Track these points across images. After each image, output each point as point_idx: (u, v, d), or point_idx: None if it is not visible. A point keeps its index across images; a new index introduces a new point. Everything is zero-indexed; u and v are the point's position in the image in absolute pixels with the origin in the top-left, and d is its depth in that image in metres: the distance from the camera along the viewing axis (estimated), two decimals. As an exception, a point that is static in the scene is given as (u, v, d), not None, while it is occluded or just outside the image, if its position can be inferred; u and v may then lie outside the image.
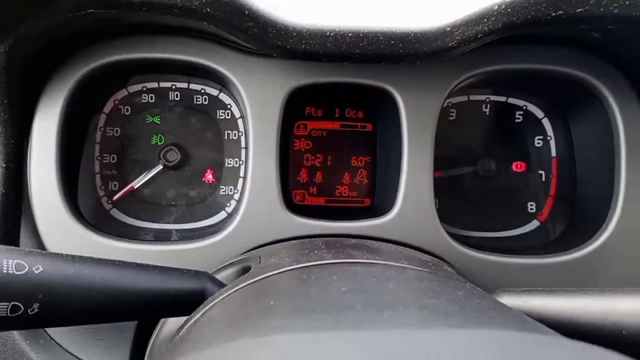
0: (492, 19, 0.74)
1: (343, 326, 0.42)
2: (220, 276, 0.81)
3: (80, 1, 0.75)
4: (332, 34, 0.78)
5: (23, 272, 0.60)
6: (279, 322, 0.45)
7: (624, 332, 0.65)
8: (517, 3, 0.73)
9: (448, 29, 0.77)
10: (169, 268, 0.71)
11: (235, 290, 0.63)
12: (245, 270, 0.79)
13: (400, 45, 0.78)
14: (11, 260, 0.59)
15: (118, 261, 0.68)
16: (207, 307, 0.63)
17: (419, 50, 0.78)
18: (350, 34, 0.78)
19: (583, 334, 0.66)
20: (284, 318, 0.47)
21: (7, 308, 0.58)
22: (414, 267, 0.68)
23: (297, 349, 0.35)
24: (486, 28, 0.75)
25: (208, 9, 0.73)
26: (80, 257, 0.66)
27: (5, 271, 0.59)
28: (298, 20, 0.78)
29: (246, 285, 0.64)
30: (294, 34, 0.77)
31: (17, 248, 0.63)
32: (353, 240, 0.85)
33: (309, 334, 0.40)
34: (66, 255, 0.65)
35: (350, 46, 0.79)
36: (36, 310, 0.60)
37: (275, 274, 0.65)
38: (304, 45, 0.78)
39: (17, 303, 0.59)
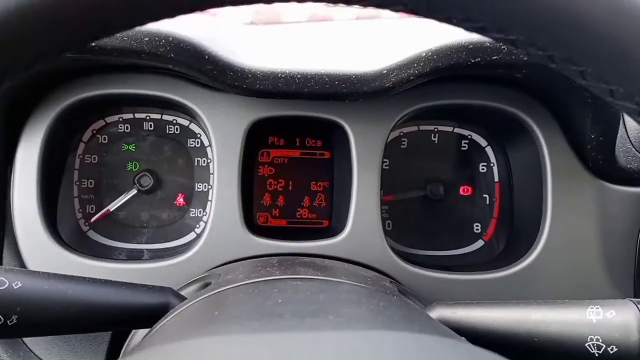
0: (421, 63, 0.85)
1: (265, 330, 0.52)
2: (185, 292, 0.90)
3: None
4: (283, 75, 0.88)
5: (4, 287, 0.68)
6: (216, 328, 0.55)
7: (536, 339, 0.75)
8: (441, 51, 0.84)
9: (384, 71, 0.88)
10: (135, 284, 0.80)
11: (192, 304, 0.73)
12: (207, 286, 0.88)
13: (343, 85, 0.89)
14: (-7, 277, 0.68)
15: (89, 278, 0.77)
16: (167, 319, 0.72)
17: (359, 90, 0.89)
18: (299, 76, 0.89)
19: (502, 340, 0.76)
20: (222, 325, 0.56)
21: (-13, 319, 0.67)
22: (351, 282, 0.78)
23: (215, 347, 0.44)
24: (416, 71, 0.86)
25: (172, 55, 0.84)
26: (55, 274, 0.75)
27: (-14, 286, 0.67)
28: (253, 63, 0.88)
29: (201, 299, 0.73)
30: (249, 76, 0.88)
31: None
32: (305, 259, 0.95)
33: (230, 336, 0.49)
34: (42, 272, 0.74)
35: (300, 86, 0.89)
36: (15, 321, 0.68)
37: (228, 288, 0.75)
38: (258, 85, 0.89)
39: (-2, 314, 0.67)
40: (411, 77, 0.87)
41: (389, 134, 1.04)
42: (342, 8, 0.94)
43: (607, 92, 0.45)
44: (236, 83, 0.88)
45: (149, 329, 0.75)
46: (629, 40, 0.40)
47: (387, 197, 1.19)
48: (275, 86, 0.89)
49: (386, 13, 0.47)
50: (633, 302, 0.73)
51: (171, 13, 0.40)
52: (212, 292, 0.74)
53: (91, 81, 1.03)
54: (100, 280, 0.78)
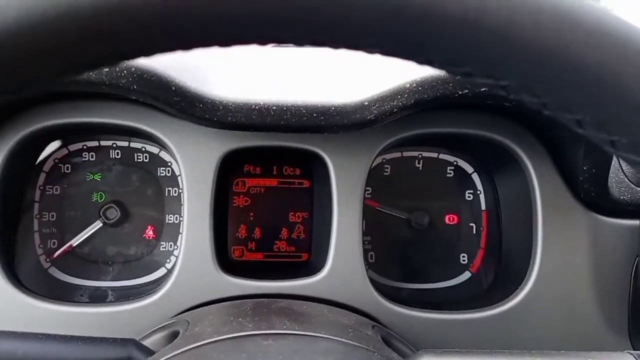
0: (405, 95, 0.80)
1: None
2: (149, 341, 0.83)
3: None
4: (257, 107, 0.82)
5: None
6: None
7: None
8: (427, 82, 0.78)
9: (366, 103, 0.82)
10: (95, 338, 0.73)
11: None
12: (174, 335, 0.81)
13: (322, 117, 0.83)
14: None
15: (41, 334, 0.70)
16: None
17: (339, 122, 0.83)
18: (274, 107, 0.82)
19: None
20: None
21: None
22: (329, 336, 0.71)
23: None
24: (400, 104, 0.80)
25: (135, 86, 0.77)
26: (2, 332, 0.68)
27: None
28: (224, 95, 0.82)
29: (169, 357, 0.66)
30: (221, 108, 0.81)
31: None
32: (282, 303, 0.88)
33: None
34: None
35: (275, 118, 0.83)
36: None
37: (195, 347, 0.68)
38: (230, 118, 0.82)
39: None
40: (394, 110, 0.81)
41: (371, 164, 0.98)
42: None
43: (608, 142, 0.40)
44: (206, 115, 0.81)
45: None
46: (635, 89, 0.36)
47: (368, 227, 1.12)
48: (248, 119, 0.82)
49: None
50: (632, 354, 0.68)
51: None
52: (178, 352, 0.68)
53: (51, 110, 0.95)
54: (52, 335, 0.71)
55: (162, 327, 0.86)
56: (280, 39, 0.36)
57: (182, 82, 0.79)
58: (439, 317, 0.97)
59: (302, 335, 0.70)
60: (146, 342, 0.82)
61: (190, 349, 0.68)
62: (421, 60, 0.39)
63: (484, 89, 0.77)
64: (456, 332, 0.97)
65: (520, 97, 0.40)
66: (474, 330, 0.97)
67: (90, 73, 0.75)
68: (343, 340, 0.71)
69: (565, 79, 0.36)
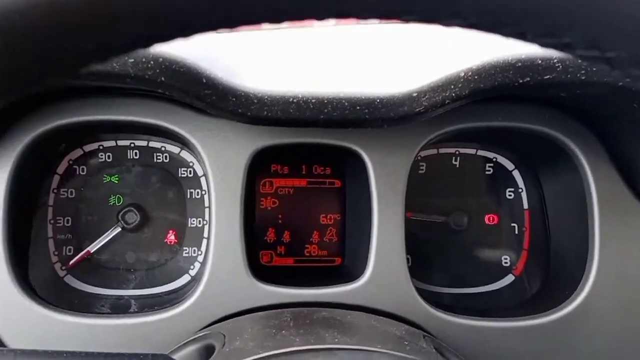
0: (459, 85, 0.72)
1: None
2: (180, 356, 0.76)
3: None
4: (295, 100, 0.75)
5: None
6: None
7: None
8: (484, 70, 0.71)
9: (415, 94, 0.74)
10: (124, 354, 0.66)
11: None
12: (209, 349, 0.74)
13: (366, 110, 0.75)
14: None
15: (66, 352, 0.63)
16: None
17: (384, 115, 0.76)
18: (313, 100, 0.75)
19: None
20: None
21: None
22: (385, 350, 0.64)
23: None
24: (453, 94, 0.73)
25: (162, 78, 0.69)
26: (23, 351, 0.61)
27: None
28: (259, 87, 0.74)
29: None
30: (255, 101, 0.74)
31: None
32: (324, 312, 0.81)
33: None
34: (6, 350, 0.60)
35: (314, 112, 0.75)
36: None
37: None
38: (265, 112, 0.75)
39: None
40: (446, 101, 0.73)
41: (412, 161, 0.91)
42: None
43: None
44: (239, 110, 0.74)
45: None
46: None
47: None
48: (285, 113, 0.75)
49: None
50: None
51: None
52: None
53: (66, 107, 0.88)
54: (78, 353, 0.63)
55: (194, 339, 0.79)
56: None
57: (213, 73, 0.72)
58: (488, 324, 0.90)
59: (357, 350, 0.63)
60: (177, 357, 0.75)
61: None
62: (511, 32, 0.33)
63: (547, 76, 0.70)
64: (507, 341, 0.90)
65: (626, 72, 0.33)
66: (527, 338, 0.90)
67: (115, 65, 0.67)
68: (400, 354, 0.64)
69: None
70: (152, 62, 0.68)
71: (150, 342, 0.86)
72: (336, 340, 0.66)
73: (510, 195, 1.10)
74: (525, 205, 1.09)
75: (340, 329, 0.72)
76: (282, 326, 0.74)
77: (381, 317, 0.84)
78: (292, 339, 0.67)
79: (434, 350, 0.74)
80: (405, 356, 0.63)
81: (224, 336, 0.74)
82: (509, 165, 1.10)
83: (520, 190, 1.09)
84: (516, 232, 1.10)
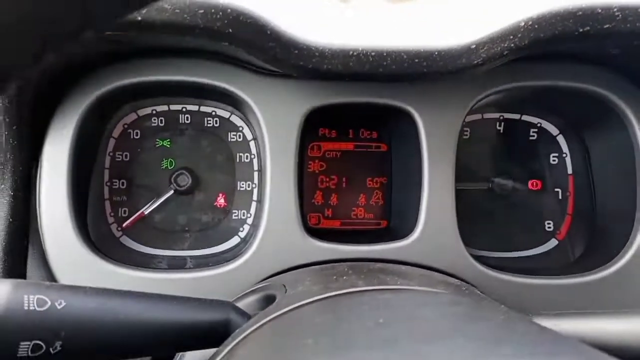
0: (519, 35, 0.73)
1: None
2: (241, 305, 0.78)
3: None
4: (355, 53, 0.76)
5: (45, 308, 0.56)
6: None
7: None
8: (544, 19, 0.72)
9: (473, 46, 0.76)
10: (190, 298, 0.68)
11: (265, 324, 0.60)
12: (270, 298, 0.76)
13: (425, 63, 0.77)
14: (32, 296, 0.56)
15: (139, 293, 0.65)
16: (235, 342, 0.60)
17: (442, 69, 0.77)
18: (373, 53, 0.77)
19: (627, 357, 0.64)
20: (327, 357, 0.44)
21: (28, 348, 0.55)
22: (445, 291, 0.66)
23: None
24: (512, 45, 0.74)
25: (230, 29, 0.71)
26: (102, 289, 0.63)
27: (26, 308, 0.55)
28: (320, 40, 0.76)
29: (275, 317, 0.61)
30: (317, 54, 0.76)
31: (38, 282, 0.60)
32: (378, 265, 0.83)
33: None
34: (88, 288, 0.62)
35: (374, 65, 0.77)
36: (58, 348, 0.56)
37: (305, 304, 0.62)
38: (326, 65, 0.77)
39: (38, 342, 0.55)
40: (505, 52, 0.75)
41: (464, 120, 0.92)
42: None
43: None
44: (301, 63, 0.76)
45: (212, 352, 0.63)
46: None
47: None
48: (345, 66, 0.77)
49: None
50: None
51: None
52: (286, 309, 0.62)
53: (124, 68, 0.91)
54: (152, 295, 0.66)
55: (253, 290, 0.81)
56: None
57: (277, 26, 0.74)
58: (536, 282, 0.92)
59: (420, 290, 0.65)
60: (239, 305, 0.77)
61: (301, 305, 0.62)
62: None
63: (607, 25, 0.71)
64: (554, 298, 0.91)
65: None
66: (573, 295, 0.91)
67: (186, 16, 0.69)
68: (462, 297, 0.66)
69: None
70: (220, 13, 0.70)
71: (208, 296, 0.88)
72: (399, 282, 0.68)
73: (554, 160, 1.11)
74: (570, 170, 1.10)
75: (399, 276, 0.74)
76: (342, 274, 0.75)
77: (433, 272, 0.86)
78: (355, 282, 0.68)
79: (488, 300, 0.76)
80: (469, 297, 0.65)
81: (284, 286, 0.76)
82: (554, 131, 1.10)
83: (564, 155, 1.10)
84: (560, 197, 1.10)
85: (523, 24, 0.72)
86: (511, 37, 0.73)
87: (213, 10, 0.70)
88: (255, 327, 0.60)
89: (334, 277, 0.73)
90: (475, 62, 0.76)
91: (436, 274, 0.82)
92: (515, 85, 0.92)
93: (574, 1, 0.72)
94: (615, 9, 0.70)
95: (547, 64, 0.92)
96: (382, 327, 0.49)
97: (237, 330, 0.63)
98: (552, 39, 0.73)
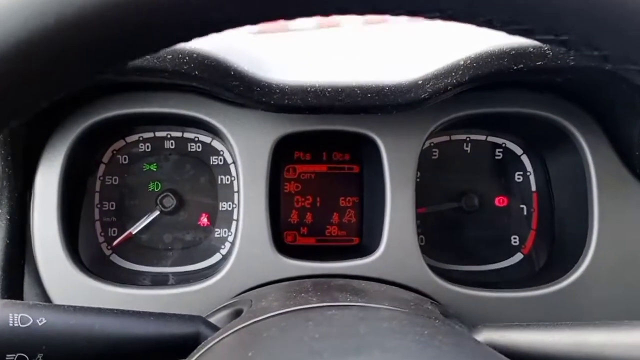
0: (460, 72, 0.80)
1: None
2: (214, 319, 0.85)
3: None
4: (312, 89, 0.84)
5: (27, 324, 0.64)
6: None
7: (596, 365, 0.70)
8: (482, 58, 0.79)
9: (420, 82, 0.83)
10: (164, 314, 0.75)
11: (226, 337, 0.68)
12: (238, 313, 0.83)
13: (376, 97, 0.84)
14: (16, 314, 0.64)
15: (115, 310, 0.73)
16: (200, 352, 0.67)
17: (393, 102, 0.84)
18: (329, 89, 0.84)
19: None
20: None
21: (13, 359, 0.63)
22: (390, 307, 0.73)
23: None
24: (455, 80, 0.81)
25: (196, 72, 0.79)
26: (81, 307, 0.71)
27: (11, 325, 0.63)
28: (280, 78, 0.84)
29: (235, 331, 0.68)
30: (277, 91, 0.83)
31: (22, 302, 0.68)
32: (340, 281, 0.90)
33: None
34: (67, 306, 0.70)
35: (330, 100, 0.85)
36: (40, 360, 0.64)
37: (262, 319, 0.70)
38: (286, 101, 0.84)
39: (22, 354, 0.63)
40: (449, 87, 0.82)
41: (422, 145, 0.99)
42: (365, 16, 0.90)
43: None
44: (263, 99, 0.84)
45: (181, 363, 0.70)
46: None
47: (419, 210, 1.13)
48: (304, 101, 0.84)
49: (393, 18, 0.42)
50: None
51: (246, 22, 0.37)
52: (245, 324, 0.70)
53: (111, 101, 0.99)
54: (126, 311, 0.73)
55: (225, 306, 0.88)
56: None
57: (240, 66, 0.82)
58: (495, 295, 0.98)
59: (365, 306, 0.72)
60: (211, 320, 0.85)
61: (258, 320, 0.70)
62: (481, 22, 0.39)
63: (539, 63, 0.77)
64: (513, 311, 0.97)
65: (580, 51, 0.40)
66: (531, 308, 0.97)
67: (155, 61, 0.78)
68: (406, 311, 0.72)
69: (630, 25, 0.36)
70: (187, 57, 0.78)
71: (186, 311, 0.96)
72: (348, 299, 0.75)
73: (519, 178, 1.17)
74: (534, 188, 1.16)
75: (354, 293, 0.80)
76: (302, 291, 0.82)
77: (392, 287, 0.93)
78: (310, 299, 0.75)
79: (439, 312, 0.82)
80: (407, 312, 0.72)
81: (251, 301, 0.84)
82: (518, 150, 1.17)
83: (528, 173, 1.16)
84: (525, 213, 1.17)
85: (462, 62, 0.79)
86: (453, 73, 0.80)
87: (180, 55, 0.78)
88: (218, 339, 0.68)
89: (294, 294, 0.81)
90: (422, 96, 0.83)
91: (392, 289, 0.89)
92: (472, 112, 0.99)
93: (509, 41, 0.78)
94: (546, 48, 0.77)
95: (501, 91, 0.99)
96: (315, 341, 0.56)
97: (204, 342, 0.70)
98: (490, 75, 0.79)
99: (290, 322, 0.66)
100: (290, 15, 0.37)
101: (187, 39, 0.37)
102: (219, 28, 0.37)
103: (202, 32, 0.37)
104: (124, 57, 0.37)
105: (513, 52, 0.78)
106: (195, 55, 0.79)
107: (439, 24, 0.40)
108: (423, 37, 0.97)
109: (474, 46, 0.80)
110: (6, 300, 0.66)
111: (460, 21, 0.40)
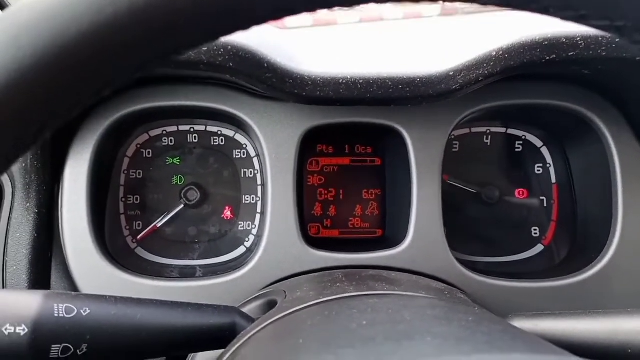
0: (491, 63, 0.81)
1: (367, 359, 0.48)
2: (246, 310, 0.86)
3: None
4: (344, 81, 0.85)
5: (72, 315, 0.65)
6: (310, 359, 0.51)
7: (630, 351, 0.71)
8: (514, 49, 0.79)
9: (451, 73, 0.83)
10: (200, 304, 0.76)
11: (265, 327, 0.69)
12: (271, 304, 0.84)
13: (408, 89, 0.85)
14: (61, 305, 0.65)
15: (156, 300, 0.74)
16: (240, 343, 0.68)
17: (424, 93, 0.85)
18: (361, 81, 0.85)
19: (592, 354, 0.72)
20: (314, 355, 0.52)
21: (58, 350, 0.63)
22: (427, 296, 0.73)
23: None
24: (486, 72, 0.82)
25: (231, 64, 0.80)
26: (122, 298, 0.72)
27: (57, 315, 0.64)
28: (312, 70, 0.85)
29: (275, 321, 0.69)
30: (309, 83, 0.84)
31: (65, 292, 0.68)
32: (371, 272, 0.90)
33: None
34: (109, 296, 0.70)
35: (362, 91, 0.85)
36: (85, 350, 0.65)
37: (301, 308, 0.70)
38: (318, 92, 0.85)
39: (67, 345, 0.64)
40: (480, 78, 0.82)
41: (449, 137, 1.00)
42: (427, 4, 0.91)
43: None
44: (295, 91, 0.84)
45: (219, 353, 0.71)
46: None
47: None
48: (336, 92, 0.85)
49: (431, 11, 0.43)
50: None
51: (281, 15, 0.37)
52: (285, 313, 0.70)
53: (138, 94, 1.00)
54: (165, 302, 0.74)
55: (257, 297, 0.89)
56: None
57: (273, 59, 0.82)
58: (520, 285, 0.99)
59: (404, 295, 0.72)
60: (244, 310, 0.86)
61: (298, 309, 0.70)
62: (537, 8, 0.40)
63: (571, 53, 0.78)
64: (538, 301, 0.98)
65: (633, 39, 0.41)
66: (555, 298, 0.98)
67: (191, 54, 0.78)
68: (444, 299, 0.73)
69: None
70: (222, 50, 0.79)
71: (216, 302, 0.96)
72: (385, 288, 0.76)
73: (539, 170, 1.18)
74: (554, 180, 1.17)
75: (388, 282, 0.81)
76: (336, 281, 0.83)
77: (422, 277, 0.94)
78: (347, 288, 0.76)
79: (470, 302, 0.83)
80: (446, 301, 0.73)
81: (285, 292, 0.84)
82: (538, 143, 1.18)
83: (548, 165, 1.17)
84: (545, 204, 1.18)
85: (495, 53, 0.80)
86: (485, 65, 0.81)
87: (215, 48, 0.78)
88: (257, 329, 0.68)
89: (329, 284, 0.81)
90: (454, 87, 0.84)
91: (423, 279, 0.90)
92: (497, 104, 1.00)
93: (541, 31, 0.79)
94: (578, 38, 0.78)
95: (527, 83, 1.00)
96: (364, 328, 0.57)
97: (242, 333, 0.71)
98: (521, 66, 0.80)
99: (333, 310, 0.67)
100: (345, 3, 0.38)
101: (246, 27, 0.37)
102: (275, 16, 0.37)
103: (256, 22, 0.37)
104: (176, 49, 0.38)
105: (546, 42, 0.78)
106: (229, 47, 0.79)
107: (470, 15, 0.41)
108: (454, 29, 0.98)
109: (506, 37, 0.81)
110: (50, 291, 0.67)
111: (515, 8, 0.40)
